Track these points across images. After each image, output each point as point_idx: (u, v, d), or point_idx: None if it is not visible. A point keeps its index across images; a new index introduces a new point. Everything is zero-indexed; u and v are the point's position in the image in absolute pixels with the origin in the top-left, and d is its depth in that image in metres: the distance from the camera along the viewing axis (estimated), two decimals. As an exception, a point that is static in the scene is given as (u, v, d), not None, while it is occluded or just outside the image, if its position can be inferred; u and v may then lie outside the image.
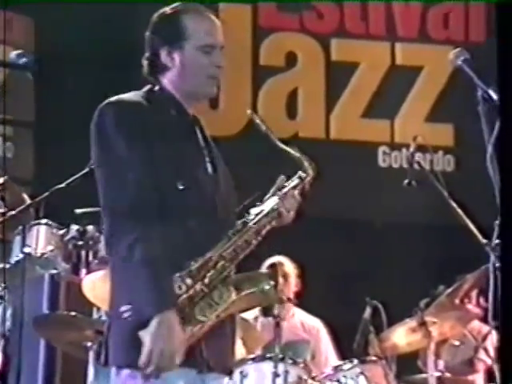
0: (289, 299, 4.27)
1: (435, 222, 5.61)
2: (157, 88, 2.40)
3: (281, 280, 4.63)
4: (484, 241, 3.35)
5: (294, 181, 2.49)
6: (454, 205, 3.72)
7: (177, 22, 2.37)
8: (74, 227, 4.26)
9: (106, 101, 2.34)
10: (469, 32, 6.59)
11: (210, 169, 2.39)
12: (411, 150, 4.05)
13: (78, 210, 4.19)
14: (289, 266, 4.76)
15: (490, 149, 2.52)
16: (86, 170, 3.74)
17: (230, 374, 2.40)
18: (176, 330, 2.20)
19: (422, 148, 4.24)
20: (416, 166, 4.02)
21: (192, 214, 2.29)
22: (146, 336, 2.19)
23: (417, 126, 6.30)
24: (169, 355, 2.19)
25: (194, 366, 2.28)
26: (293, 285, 4.74)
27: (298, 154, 2.50)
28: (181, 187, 2.27)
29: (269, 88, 6.42)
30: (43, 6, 5.66)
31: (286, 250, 5.47)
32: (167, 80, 2.40)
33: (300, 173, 2.50)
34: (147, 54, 2.44)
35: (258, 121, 2.49)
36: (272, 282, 2.32)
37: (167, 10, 2.44)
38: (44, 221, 4.26)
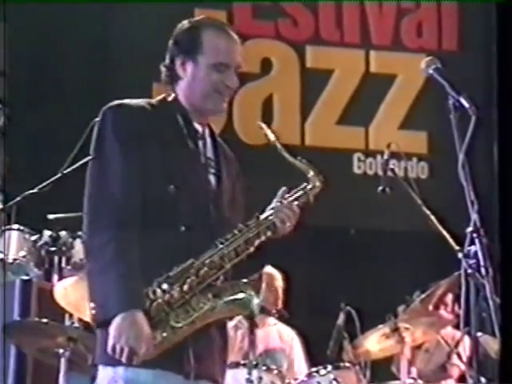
0: (278, 311, 4.27)
1: (409, 228, 5.64)
2: (171, 97, 2.46)
3: (275, 291, 4.66)
4: (457, 247, 3.38)
5: (297, 193, 2.49)
6: (428, 212, 3.75)
7: (196, 35, 2.44)
8: (47, 233, 4.24)
9: (110, 103, 2.39)
10: (442, 40, 6.65)
11: (213, 181, 2.41)
12: (385, 157, 4.07)
13: (51, 216, 4.17)
14: (279, 279, 4.76)
15: (461, 156, 2.55)
16: (59, 175, 3.72)
17: (217, 382, 2.38)
18: (140, 328, 2.21)
19: (395, 155, 4.27)
20: (390, 173, 4.04)
21: (181, 221, 2.30)
22: (110, 331, 2.22)
23: (391, 134, 6.34)
24: (131, 351, 2.21)
25: (180, 371, 2.29)
26: (274, 286, 4.75)
27: (304, 166, 2.53)
28: (171, 190, 2.29)
29: (244, 94, 6.42)
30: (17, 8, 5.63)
31: (260, 257, 5.48)
32: (180, 90, 2.45)
33: (305, 184, 2.50)
34: (165, 61, 2.51)
35: (268, 133, 2.50)
36: (252, 292, 2.31)
37: (191, 21, 2.52)
38: (16, 226, 4.23)
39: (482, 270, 2.56)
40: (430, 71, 2.63)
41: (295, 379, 4.28)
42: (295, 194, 2.48)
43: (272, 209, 2.41)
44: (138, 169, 2.28)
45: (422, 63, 2.65)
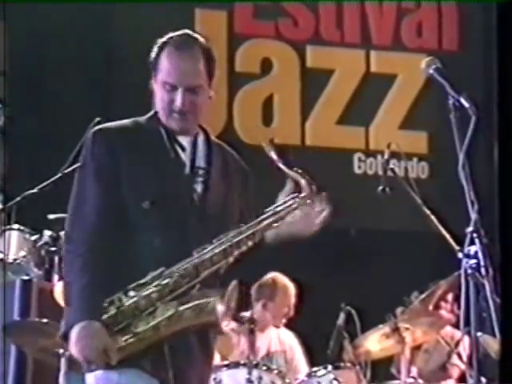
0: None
1: (409, 228, 5.64)
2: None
3: (279, 295, 4.66)
4: (457, 247, 3.38)
5: (287, 202, 2.48)
6: (428, 212, 3.75)
7: (159, 52, 2.46)
8: (47, 233, 4.23)
9: (96, 127, 2.48)
10: (442, 40, 6.65)
11: (199, 190, 2.43)
12: (385, 157, 4.07)
13: (51, 216, 4.17)
14: (285, 284, 4.75)
15: (461, 156, 2.55)
16: (59, 175, 3.72)
17: None
18: (92, 338, 2.29)
19: (396, 155, 4.27)
20: (390, 173, 4.04)
21: (156, 234, 2.35)
22: (69, 342, 2.32)
23: (391, 133, 6.34)
24: (86, 361, 2.30)
25: (157, 376, 2.34)
26: (287, 303, 4.74)
27: (298, 177, 2.51)
28: (145, 206, 2.35)
29: (244, 94, 6.43)
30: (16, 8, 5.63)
31: (257, 257, 5.48)
32: None
33: (296, 194, 2.48)
34: None
35: (269, 152, 2.49)
36: (218, 299, 2.32)
37: (166, 38, 2.52)
38: (16, 226, 4.22)
39: (482, 270, 2.56)
40: (430, 71, 2.63)
41: (296, 379, 4.28)
42: (285, 204, 2.47)
43: (257, 219, 2.41)
44: (113, 191, 2.37)
45: (422, 63, 2.65)
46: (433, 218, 3.71)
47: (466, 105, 2.55)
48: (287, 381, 4.12)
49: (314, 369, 4.26)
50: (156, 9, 6.07)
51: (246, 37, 6.44)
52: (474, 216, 2.56)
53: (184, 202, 2.41)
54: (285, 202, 2.47)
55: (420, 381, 4.32)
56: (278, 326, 4.78)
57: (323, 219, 2.48)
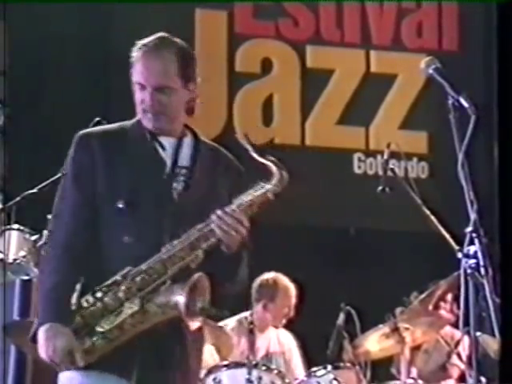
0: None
1: (409, 228, 5.64)
2: None
3: (280, 296, 4.66)
4: (456, 247, 3.38)
5: (255, 193, 2.45)
6: (427, 211, 3.75)
7: (135, 55, 2.56)
8: (47, 233, 4.23)
9: (79, 132, 2.53)
10: (442, 40, 6.65)
11: (180, 189, 2.45)
12: (385, 157, 4.07)
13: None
14: (286, 285, 4.74)
15: (461, 156, 2.55)
16: (59, 175, 3.72)
17: None
18: (55, 339, 2.31)
19: (395, 155, 4.27)
20: (390, 173, 4.04)
21: (128, 234, 2.38)
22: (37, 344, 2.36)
23: (391, 133, 6.33)
24: (52, 361, 2.35)
25: (125, 377, 2.34)
26: (288, 304, 4.73)
27: (270, 164, 2.48)
28: (120, 207, 2.38)
29: (244, 94, 6.43)
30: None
31: (259, 257, 5.47)
32: None
33: (262, 184, 2.46)
34: None
35: (243, 141, 2.50)
36: (180, 296, 2.30)
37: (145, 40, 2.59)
38: (16, 226, 4.22)
39: (482, 270, 2.56)
40: (430, 71, 2.63)
41: (295, 379, 4.28)
42: (249, 196, 2.43)
43: (214, 214, 2.39)
44: (89, 193, 2.42)
45: (421, 63, 2.65)
46: (432, 217, 3.71)
47: (466, 105, 2.55)
48: (287, 381, 4.12)
49: (314, 369, 4.25)
50: (156, 9, 6.07)
51: (246, 37, 6.44)
52: (473, 216, 2.56)
53: (162, 200, 2.42)
54: (255, 191, 2.44)
55: (420, 381, 4.32)
56: (277, 327, 4.77)
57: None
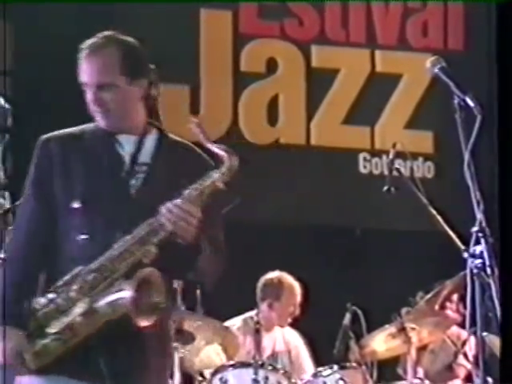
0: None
1: (414, 228, 5.63)
2: None
3: (285, 295, 4.65)
4: (462, 247, 3.38)
5: (202, 183, 2.39)
6: (433, 211, 3.74)
7: (81, 54, 2.57)
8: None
9: (42, 137, 2.58)
10: (447, 40, 6.64)
11: (139, 185, 2.43)
12: (390, 156, 4.07)
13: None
14: (291, 283, 4.74)
15: (467, 156, 2.55)
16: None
17: None
18: (9, 342, 2.30)
19: (401, 155, 4.26)
20: (395, 173, 4.04)
21: (82, 232, 2.38)
22: None
23: (397, 133, 6.33)
24: (5, 364, 2.32)
25: (88, 379, 2.32)
26: (293, 302, 4.72)
27: (220, 151, 2.42)
28: (75, 207, 2.39)
29: (249, 94, 6.43)
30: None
31: (265, 257, 5.48)
32: None
33: (210, 173, 2.40)
34: None
35: (195, 130, 2.46)
36: (127, 292, 2.27)
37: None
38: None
39: (488, 270, 2.56)
40: (436, 70, 2.63)
41: (301, 379, 4.28)
42: (198, 186, 2.38)
43: (163, 208, 2.34)
44: (45, 196, 2.44)
45: (427, 62, 2.65)
46: (438, 217, 3.71)
47: (472, 104, 2.55)
48: (293, 381, 4.12)
49: (320, 369, 4.25)
50: (161, 8, 6.07)
51: (251, 37, 6.44)
52: (479, 215, 2.55)
53: (118, 198, 2.41)
54: (204, 180, 2.40)
55: (426, 381, 4.32)
56: (282, 326, 4.78)
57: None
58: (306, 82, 6.47)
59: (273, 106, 6.43)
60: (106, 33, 2.58)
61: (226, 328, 4.22)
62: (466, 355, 4.70)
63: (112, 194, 2.42)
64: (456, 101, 2.56)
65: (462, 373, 4.97)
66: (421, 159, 6.43)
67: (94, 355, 2.31)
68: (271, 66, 6.43)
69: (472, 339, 4.31)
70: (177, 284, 4.43)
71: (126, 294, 2.27)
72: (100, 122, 2.50)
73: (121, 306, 2.28)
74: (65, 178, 2.44)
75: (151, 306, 2.30)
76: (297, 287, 4.74)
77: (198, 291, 4.59)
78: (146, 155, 2.49)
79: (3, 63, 5.58)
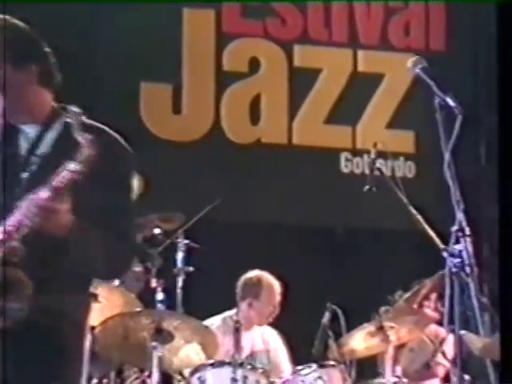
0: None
1: (395, 227, 5.65)
2: None
3: (265, 294, 4.64)
4: (442, 246, 3.39)
5: (61, 174, 2.27)
6: (414, 211, 3.75)
7: None
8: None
9: None
10: (429, 40, 6.68)
11: (30, 177, 2.35)
12: (372, 156, 4.08)
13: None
14: (271, 282, 4.73)
15: (447, 156, 2.56)
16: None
17: None
18: None
19: (382, 154, 4.27)
20: (377, 173, 4.05)
21: None
22: None
23: (378, 133, 6.35)
24: None
25: None
26: (272, 301, 4.71)
27: (84, 147, 2.29)
28: None
29: (232, 93, 6.43)
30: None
31: (245, 256, 5.47)
32: None
33: (68, 165, 2.29)
34: None
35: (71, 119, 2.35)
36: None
37: None
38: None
39: (467, 269, 2.57)
40: (417, 70, 2.64)
41: (280, 378, 4.29)
42: (54, 178, 2.28)
43: (22, 203, 2.26)
44: None
45: (408, 62, 2.66)
46: (418, 217, 3.72)
47: (452, 104, 2.56)
48: (272, 380, 4.12)
49: (299, 367, 4.25)
50: (144, 7, 6.05)
51: (233, 36, 6.44)
52: (459, 215, 2.57)
53: (11, 193, 2.31)
54: (60, 172, 2.28)
55: (404, 379, 4.33)
56: (261, 325, 4.77)
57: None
58: (289, 81, 6.48)
59: (255, 106, 6.43)
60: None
61: (206, 327, 4.21)
62: (444, 353, 4.72)
63: (7, 190, 2.31)
64: (437, 100, 2.57)
65: (440, 371, 4.99)
66: (402, 159, 6.45)
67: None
68: (254, 65, 6.43)
69: (450, 338, 4.33)
70: (156, 283, 4.45)
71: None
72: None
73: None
74: None
75: (13, 310, 2.22)
76: (276, 286, 4.74)
77: (178, 290, 4.59)
78: (46, 145, 2.38)
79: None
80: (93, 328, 3.77)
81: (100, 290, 3.70)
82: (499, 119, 2.48)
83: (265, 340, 4.77)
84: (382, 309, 4.39)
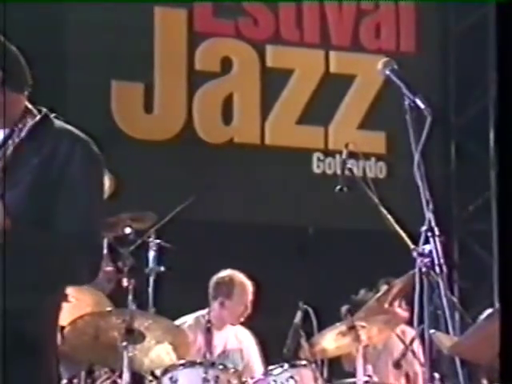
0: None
1: (366, 227, 5.69)
2: None
3: (237, 293, 4.64)
4: (412, 246, 3.42)
5: None
6: (384, 211, 3.78)
7: None
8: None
9: None
10: (400, 42, 6.73)
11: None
12: (343, 156, 4.10)
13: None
14: (243, 282, 4.73)
15: (417, 156, 2.58)
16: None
17: None
18: None
19: (354, 155, 4.30)
20: (348, 173, 4.07)
21: None
22: None
23: (350, 133, 6.39)
24: None
25: None
26: (245, 301, 4.71)
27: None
28: None
29: (204, 93, 6.42)
30: None
31: (217, 255, 5.47)
32: None
33: None
34: None
35: None
36: None
37: None
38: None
39: (437, 269, 2.60)
40: (387, 72, 2.67)
41: (252, 378, 4.29)
42: None
43: None
44: None
45: (379, 64, 2.68)
46: (389, 217, 3.75)
47: (422, 106, 2.58)
48: (243, 380, 4.12)
49: (271, 367, 4.26)
50: (116, 6, 6.02)
51: (205, 35, 6.43)
52: (428, 215, 2.59)
53: None
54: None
55: (375, 378, 4.36)
56: (234, 324, 4.78)
57: None
58: (261, 81, 6.49)
59: (227, 105, 6.43)
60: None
61: (177, 327, 4.21)
62: (413, 352, 4.75)
63: None
64: (407, 102, 2.60)
65: (410, 370, 5.03)
66: (373, 159, 6.50)
67: None
68: (226, 65, 6.43)
69: (420, 336, 4.37)
70: (127, 282, 4.43)
71: None
72: None
73: None
74: None
75: None
76: (249, 286, 4.75)
77: (150, 289, 4.58)
78: (12, 147, 2.31)
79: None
80: (62, 328, 3.74)
81: (70, 289, 3.68)
82: (499, 120, 2.50)
83: (238, 339, 4.77)
84: (343, 308, 4.40)
